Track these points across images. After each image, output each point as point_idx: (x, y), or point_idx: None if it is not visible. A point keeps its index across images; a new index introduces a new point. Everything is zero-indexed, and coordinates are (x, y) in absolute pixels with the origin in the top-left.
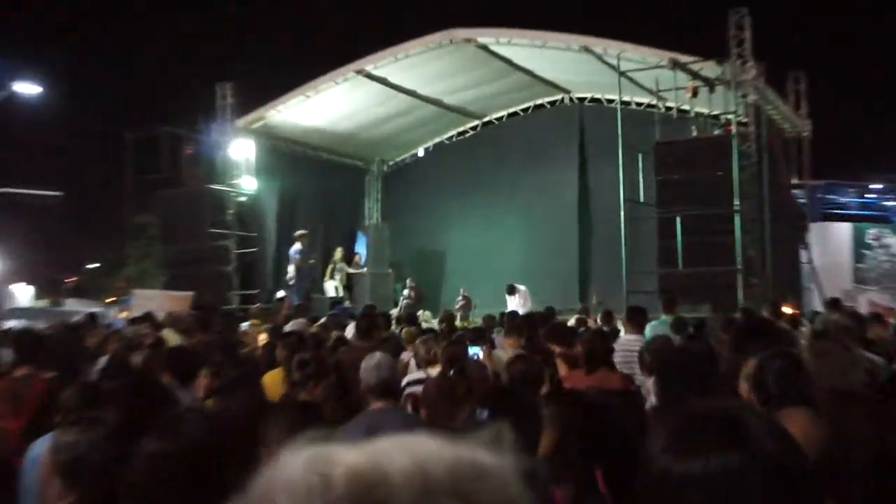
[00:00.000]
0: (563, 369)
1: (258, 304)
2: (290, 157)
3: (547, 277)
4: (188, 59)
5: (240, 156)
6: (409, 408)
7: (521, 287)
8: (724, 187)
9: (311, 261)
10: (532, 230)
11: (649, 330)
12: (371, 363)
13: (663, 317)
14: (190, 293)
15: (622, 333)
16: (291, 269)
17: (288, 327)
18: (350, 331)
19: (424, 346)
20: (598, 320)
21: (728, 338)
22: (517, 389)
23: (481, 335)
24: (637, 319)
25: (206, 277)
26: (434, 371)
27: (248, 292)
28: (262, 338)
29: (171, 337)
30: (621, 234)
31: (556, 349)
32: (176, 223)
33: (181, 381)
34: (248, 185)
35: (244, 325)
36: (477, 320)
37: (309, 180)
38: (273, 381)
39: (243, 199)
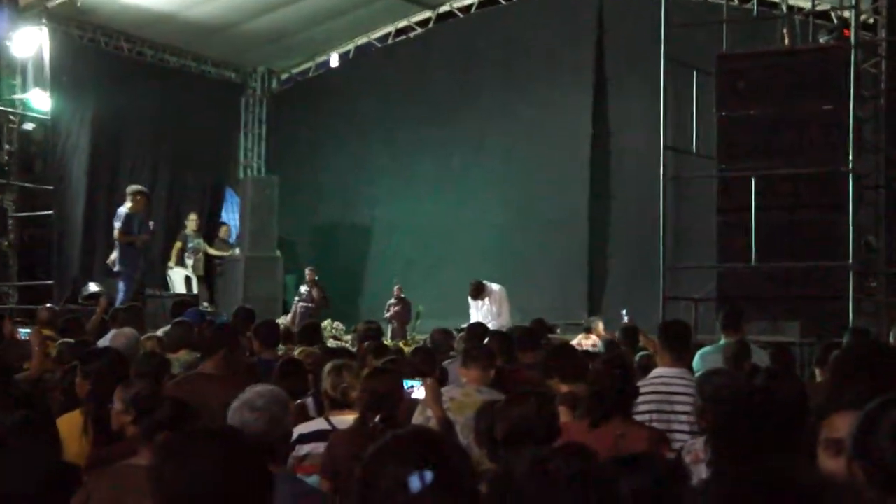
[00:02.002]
0: (567, 419)
1: (49, 305)
2: (113, 60)
3: (537, 272)
4: None
5: (25, 54)
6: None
7: (494, 287)
8: (833, 132)
9: (148, 234)
10: (513, 193)
11: (699, 361)
12: (243, 404)
13: (722, 340)
14: None
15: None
16: (115, 249)
17: (103, 342)
18: None
19: (332, 378)
20: (617, 342)
21: (828, 376)
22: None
23: (426, 361)
24: (679, 343)
25: None
26: (347, 419)
27: (36, 283)
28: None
29: None
30: (659, 204)
31: (560, 387)
32: None
33: None
34: (39, 103)
35: (25, 336)
36: (421, 336)
37: (146, 102)
38: (71, 431)
39: (30, 127)
